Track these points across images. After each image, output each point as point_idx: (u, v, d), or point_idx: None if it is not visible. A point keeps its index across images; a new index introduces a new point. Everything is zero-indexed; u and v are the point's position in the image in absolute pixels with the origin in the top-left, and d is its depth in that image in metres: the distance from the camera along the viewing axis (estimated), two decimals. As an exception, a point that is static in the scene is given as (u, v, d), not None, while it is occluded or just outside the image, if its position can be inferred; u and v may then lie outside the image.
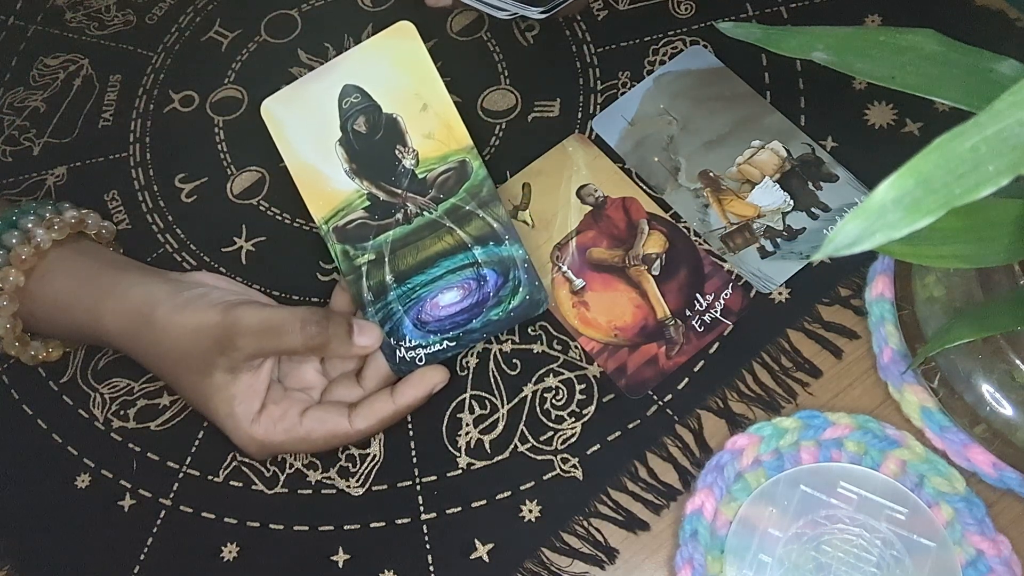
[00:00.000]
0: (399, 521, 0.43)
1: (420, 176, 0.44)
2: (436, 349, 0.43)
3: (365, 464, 0.44)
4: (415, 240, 0.44)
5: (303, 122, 0.44)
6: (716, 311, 0.45)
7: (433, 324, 0.43)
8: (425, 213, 0.43)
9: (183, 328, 0.41)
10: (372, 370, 0.43)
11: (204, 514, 0.45)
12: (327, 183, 0.44)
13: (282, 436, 0.41)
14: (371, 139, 0.44)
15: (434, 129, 0.44)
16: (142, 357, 0.43)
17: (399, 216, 0.44)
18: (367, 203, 0.44)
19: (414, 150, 0.43)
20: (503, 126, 0.52)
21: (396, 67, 0.44)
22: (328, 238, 0.44)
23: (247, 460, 0.45)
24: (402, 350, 0.43)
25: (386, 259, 0.43)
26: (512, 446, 0.43)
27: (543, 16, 0.49)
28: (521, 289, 0.43)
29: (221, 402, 0.41)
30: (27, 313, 0.45)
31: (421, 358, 0.43)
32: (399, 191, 0.44)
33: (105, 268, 0.44)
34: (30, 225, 0.44)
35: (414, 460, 0.44)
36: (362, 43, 0.44)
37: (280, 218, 0.51)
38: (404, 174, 0.43)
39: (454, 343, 0.43)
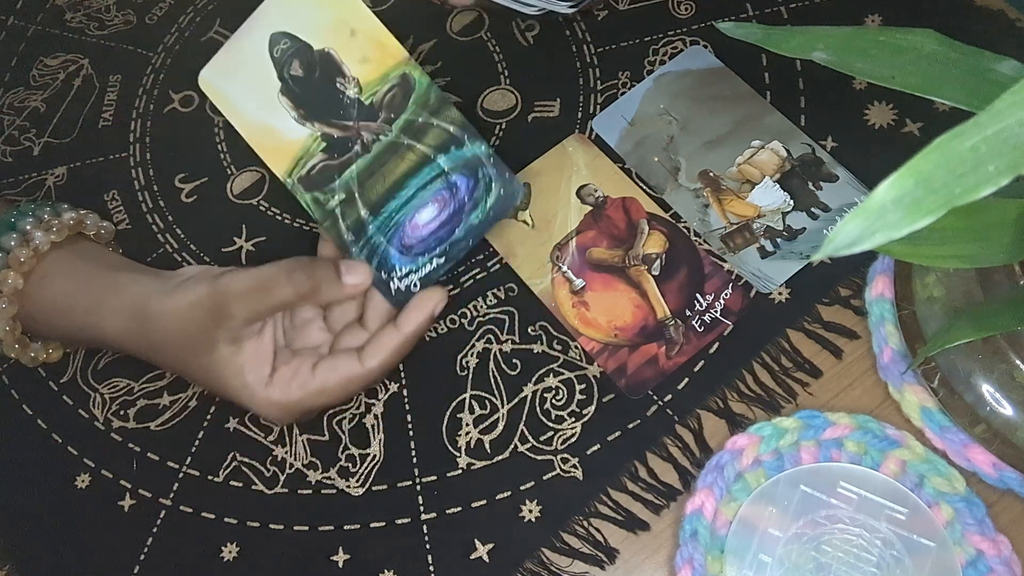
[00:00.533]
0: (399, 521, 0.43)
1: (367, 102, 0.43)
2: (428, 270, 0.43)
3: (365, 464, 0.44)
4: (379, 167, 0.43)
5: (242, 83, 0.43)
6: (716, 311, 0.45)
7: (418, 246, 0.43)
8: (381, 137, 0.43)
9: (177, 310, 0.40)
10: (372, 311, 0.43)
11: (204, 514, 0.45)
12: (280, 136, 0.43)
13: (299, 393, 0.41)
14: (310, 80, 0.43)
15: (368, 51, 0.43)
16: (146, 352, 0.43)
17: (357, 148, 0.43)
18: (323, 144, 0.43)
19: (354, 78, 0.42)
20: (503, 126, 0.52)
21: (316, 2, 0.43)
22: (296, 190, 0.43)
23: (247, 460, 0.45)
24: (395, 281, 0.43)
25: (356, 195, 0.43)
26: (512, 446, 0.43)
27: (572, 11, 0.49)
28: (493, 185, 0.42)
29: (232, 375, 0.41)
30: (26, 316, 0.45)
31: (416, 284, 0.43)
32: (351, 123, 0.43)
33: (102, 270, 0.44)
34: (28, 227, 0.44)
35: (414, 460, 0.44)
36: None
37: (280, 218, 0.51)
38: (351, 105, 0.43)
39: (443, 259, 0.43)
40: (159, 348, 0.42)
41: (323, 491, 0.44)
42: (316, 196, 0.43)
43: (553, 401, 0.44)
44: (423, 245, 0.43)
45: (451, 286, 0.48)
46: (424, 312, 0.42)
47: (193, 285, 0.41)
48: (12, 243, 0.44)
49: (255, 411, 0.42)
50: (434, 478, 0.44)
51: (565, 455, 0.43)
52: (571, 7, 0.49)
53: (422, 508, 0.43)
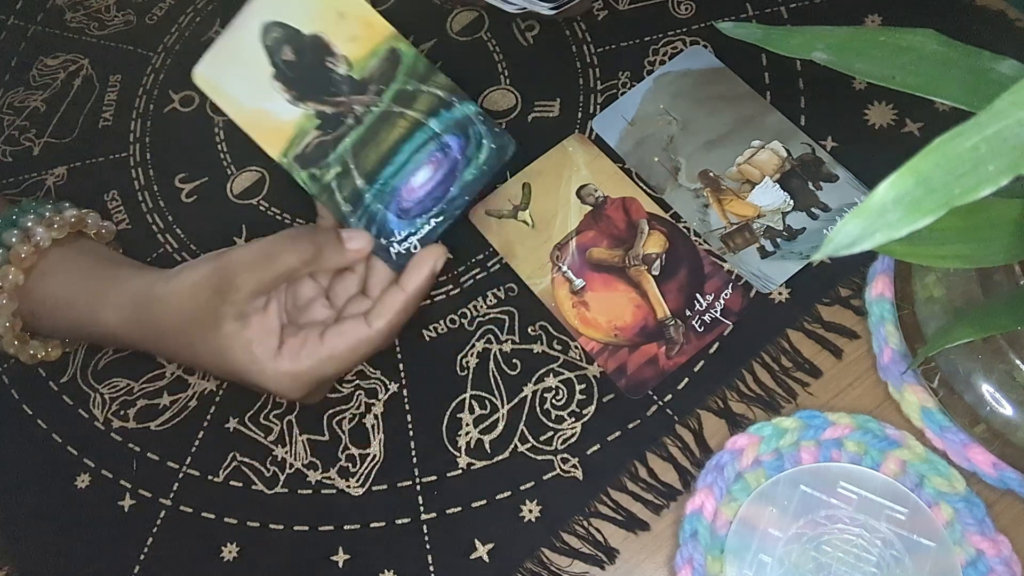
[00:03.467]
0: (399, 521, 0.43)
1: (357, 78, 0.44)
2: (426, 231, 0.43)
3: (365, 464, 0.44)
4: (372, 137, 0.44)
5: (236, 74, 0.44)
6: (716, 311, 0.45)
7: (415, 208, 0.43)
8: (373, 109, 0.44)
9: (181, 290, 0.40)
10: (374, 277, 0.43)
11: (204, 514, 0.45)
12: (275, 119, 0.44)
13: (309, 361, 0.40)
14: (302, 63, 0.44)
15: (356, 30, 0.44)
16: (149, 341, 0.43)
17: (350, 121, 0.44)
18: (318, 122, 0.44)
19: (344, 56, 0.44)
20: (503, 126, 0.51)
21: None
22: (292, 169, 0.44)
23: (247, 460, 0.45)
24: (395, 245, 0.43)
25: (352, 166, 0.44)
26: (512, 446, 0.43)
27: (553, 13, 0.49)
28: (484, 142, 0.43)
29: (240, 350, 0.40)
30: (27, 312, 0.45)
31: (415, 246, 0.43)
32: (343, 98, 0.44)
33: (104, 266, 0.44)
34: (30, 224, 0.44)
35: (414, 460, 0.44)
36: None
37: (280, 218, 0.51)
38: (342, 81, 0.44)
39: (441, 218, 0.43)
40: (162, 334, 0.42)
41: (323, 491, 0.44)
42: (312, 172, 0.44)
43: (553, 401, 0.44)
44: (420, 207, 0.44)
45: (451, 286, 0.48)
46: (425, 269, 0.42)
47: (196, 265, 0.41)
48: (13, 239, 0.44)
49: (266, 386, 0.41)
50: (434, 478, 0.44)
51: (565, 455, 0.43)
52: (552, 8, 0.49)
53: (422, 508, 0.43)
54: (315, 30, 0.43)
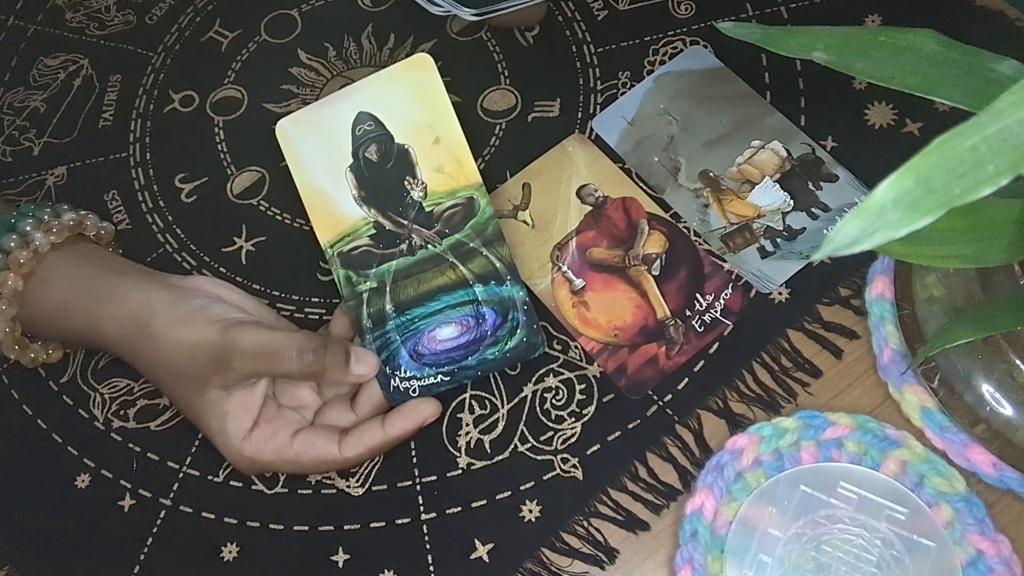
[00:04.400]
0: (399, 521, 0.43)
1: (427, 209, 0.44)
2: (430, 382, 0.43)
3: (365, 464, 0.44)
4: (417, 272, 0.44)
5: (316, 145, 0.45)
6: (716, 311, 0.45)
7: (429, 357, 0.43)
8: (429, 246, 0.44)
9: (180, 343, 0.41)
10: (366, 396, 0.43)
11: (204, 514, 0.45)
12: (335, 208, 0.45)
13: (271, 456, 0.41)
14: (382, 168, 0.44)
15: (444, 163, 0.44)
16: (138, 365, 0.43)
17: (403, 247, 0.44)
18: (373, 231, 0.44)
19: (423, 182, 0.44)
20: (503, 126, 0.52)
21: (412, 98, 0.44)
22: (332, 263, 0.45)
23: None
24: (396, 379, 0.43)
25: (388, 288, 0.44)
26: (512, 446, 0.43)
27: (474, 19, 0.49)
28: (519, 331, 0.43)
29: (213, 417, 0.41)
30: (26, 317, 0.45)
31: (415, 389, 0.43)
32: (405, 222, 0.44)
33: (103, 272, 0.44)
34: (28, 228, 0.44)
35: (414, 460, 0.44)
36: (380, 71, 0.45)
37: (280, 218, 0.51)
38: (411, 206, 0.44)
39: (448, 378, 0.43)
40: (151, 365, 0.42)
41: (323, 491, 0.44)
42: (350, 275, 0.44)
43: (553, 401, 0.44)
44: (434, 358, 0.44)
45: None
46: (413, 422, 0.42)
47: (204, 326, 0.41)
48: (12, 244, 0.44)
49: (223, 455, 0.42)
50: (434, 478, 0.44)
51: (565, 455, 0.43)
52: (474, 15, 0.49)
53: (422, 508, 0.43)
54: (407, 142, 0.44)
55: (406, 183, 0.44)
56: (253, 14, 0.58)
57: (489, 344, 0.43)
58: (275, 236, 0.51)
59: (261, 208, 0.52)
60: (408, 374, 0.43)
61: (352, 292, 0.44)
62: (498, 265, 0.43)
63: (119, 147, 0.55)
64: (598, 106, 0.51)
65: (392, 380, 0.43)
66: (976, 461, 0.39)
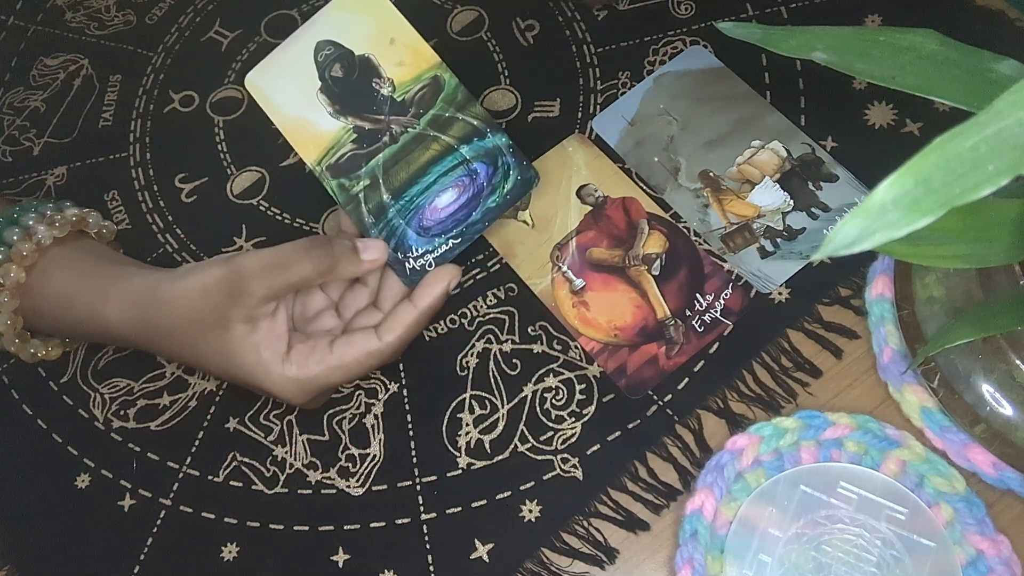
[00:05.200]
0: (399, 521, 0.43)
1: (399, 100, 0.46)
2: (443, 250, 0.45)
3: (365, 464, 0.44)
4: (404, 156, 0.46)
5: (285, 84, 0.46)
6: (716, 311, 0.45)
7: (436, 227, 0.45)
8: (409, 130, 0.46)
9: (190, 291, 0.40)
10: (387, 291, 0.44)
11: (204, 514, 0.45)
12: (314, 128, 0.46)
13: (317, 368, 0.41)
14: (349, 80, 0.46)
15: (404, 57, 0.46)
16: (155, 340, 0.42)
17: (386, 139, 0.46)
18: (354, 136, 0.46)
19: (389, 79, 0.46)
20: (503, 126, 0.52)
21: (360, 14, 0.46)
22: (323, 177, 0.46)
23: (247, 460, 0.45)
24: (411, 261, 0.44)
25: (380, 180, 0.45)
26: (512, 446, 0.43)
27: None
28: (511, 172, 0.45)
29: (247, 352, 0.40)
30: (29, 310, 0.45)
31: (430, 263, 0.44)
32: (382, 117, 0.46)
33: (105, 264, 0.45)
34: (31, 222, 0.44)
35: (414, 460, 0.44)
36: (328, 4, 0.47)
37: (280, 218, 0.51)
38: (384, 101, 0.46)
39: (459, 239, 0.45)
40: (166, 334, 0.41)
41: (323, 491, 0.44)
42: (341, 182, 0.46)
43: (553, 401, 0.44)
44: (441, 227, 0.45)
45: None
46: (439, 287, 0.43)
47: (206, 267, 0.41)
48: (15, 237, 0.44)
49: (270, 390, 0.41)
50: (434, 478, 0.44)
51: (565, 455, 0.43)
52: None
53: (422, 508, 0.43)
54: (366, 51, 0.46)
55: (374, 84, 0.46)
56: (253, 14, 0.58)
57: (488, 194, 0.45)
58: (275, 236, 0.51)
59: (261, 208, 0.52)
60: (420, 251, 0.45)
61: (348, 197, 0.45)
62: (475, 123, 0.46)
63: (119, 147, 0.55)
64: (598, 106, 0.51)
65: (406, 263, 0.44)
66: (976, 461, 0.39)
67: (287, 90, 0.46)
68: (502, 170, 0.45)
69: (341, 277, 0.43)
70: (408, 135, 0.46)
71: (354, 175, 0.46)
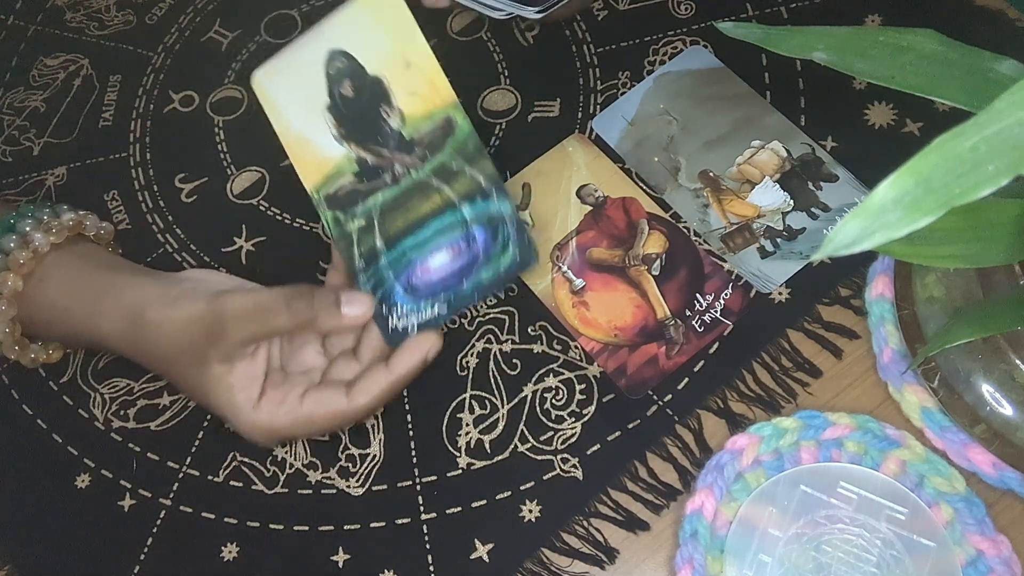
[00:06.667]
0: (399, 521, 0.43)
1: (407, 136, 0.43)
2: (428, 317, 0.42)
3: (365, 464, 0.44)
4: (404, 202, 0.43)
5: (292, 91, 0.44)
6: (716, 311, 0.45)
7: (424, 289, 0.42)
8: (412, 172, 0.43)
9: (174, 322, 0.41)
10: (367, 343, 0.43)
11: (204, 514, 0.45)
12: (317, 150, 0.44)
13: (285, 420, 0.41)
14: (358, 102, 0.43)
15: (418, 87, 0.43)
16: (140, 357, 0.43)
17: (387, 178, 0.43)
18: (356, 168, 0.44)
19: (399, 109, 0.43)
20: (503, 126, 0.52)
21: (379, 27, 0.43)
22: (319, 206, 0.44)
23: (247, 460, 0.45)
24: (394, 318, 0.42)
25: (376, 224, 0.43)
26: (512, 446, 0.43)
27: (539, 16, 0.49)
28: (511, 247, 0.42)
29: (221, 392, 0.41)
30: (25, 317, 0.45)
31: (413, 327, 0.42)
32: (386, 152, 0.43)
33: (101, 271, 0.44)
34: (28, 229, 0.44)
35: (414, 460, 0.44)
36: (344, 6, 0.44)
37: (280, 218, 0.51)
38: (391, 135, 0.43)
39: (446, 308, 0.42)
40: (152, 355, 0.42)
41: (323, 491, 0.44)
42: (337, 215, 0.44)
43: (553, 401, 0.44)
44: (429, 289, 0.42)
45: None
46: (417, 356, 0.42)
47: (192, 300, 0.41)
48: (11, 245, 0.44)
49: (237, 429, 0.42)
50: (434, 478, 0.44)
51: (565, 455, 0.43)
52: (538, 12, 0.49)
53: (422, 508, 0.43)
54: (379, 72, 0.43)
55: (383, 112, 0.43)
56: (253, 14, 0.58)
57: (483, 265, 0.42)
58: (275, 236, 0.51)
59: (261, 208, 0.52)
60: (405, 311, 0.42)
61: (341, 233, 0.43)
62: (482, 181, 0.43)
63: (119, 147, 0.55)
64: (598, 106, 0.51)
65: (390, 320, 0.42)
66: (976, 461, 0.39)
67: (294, 97, 0.44)
68: (501, 241, 0.42)
69: (321, 331, 0.43)
70: (410, 179, 0.43)
71: (351, 211, 0.43)
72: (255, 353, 0.41)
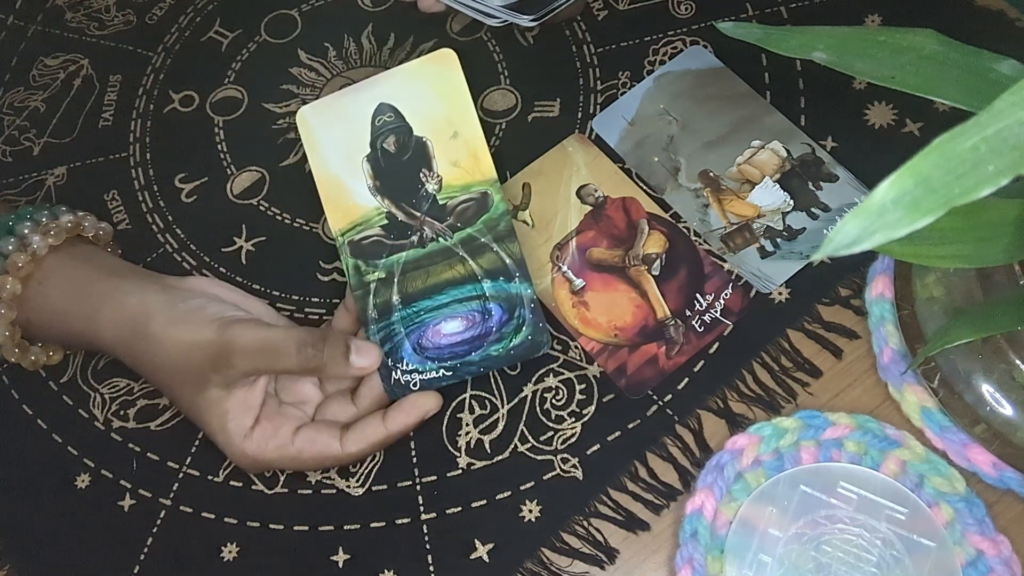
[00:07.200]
0: (399, 521, 0.43)
1: (441, 202, 0.44)
2: (431, 377, 0.43)
3: (365, 464, 0.44)
4: (427, 265, 0.44)
5: (334, 133, 0.45)
6: (716, 311, 0.45)
7: (432, 351, 0.43)
8: (440, 239, 0.44)
9: (178, 343, 0.41)
10: (367, 389, 0.43)
11: (204, 514, 0.45)
12: (349, 196, 0.45)
13: (273, 454, 0.41)
14: (399, 159, 0.44)
15: (461, 158, 0.44)
16: (138, 366, 0.43)
17: (414, 239, 0.44)
18: (385, 221, 0.44)
19: (439, 175, 0.44)
20: (503, 126, 0.52)
21: (433, 92, 0.45)
22: (342, 250, 0.45)
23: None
24: (398, 372, 0.43)
25: (395, 279, 0.44)
26: (512, 446, 0.43)
27: (533, 24, 0.49)
28: (524, 328, 0.43)
29: (214, 417, 0.41)
30: (25, 320, 0.44)
31: (416, 383, 0.43)
32: (418, 214, 0.44)
33: (101, 275, 0.44)
34: (26, 231, 0.44)
35: (414, 460, 0.44)
36: (404, 64, 0.45)
37: (280, 218, 0.51)
38: (425, 198, 0.44)
39: (451, 373, 0.43)
40: (150, 366, 0.42)
41: (323, 491, 0.44)
42: (359, 264, 0.44)
43: (553, 401, 0.44)
44: (437, 352, 0.43)
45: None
46: (414, 415, 0.42)
47: (201, 325, 0.41)
48: (10, 248, 0.44)
49: (225, 454, 0.42)
50: (434, 478, 0.44)
51: (565, 455, 0.43)
52: (532, 20, 0.49)
53: (422, 508, 0.43)
54: (425, 135, 0.44)
55: (422, 175, 0.44)
56: (253, 14, 0.58)
57: (493, 340, 0.43)
58: (275, 236, 0.51)
59: (261, 208, 0.52)
60: (410, 367, 0.43)
61: (360, 281, 0.44)
62: (508, 261, 0.43)
63: (119, 147, 0.55)
64: (598, 106, 0.51)
65: (394, 373, 0.43)
66: (976, 461, 0.39)
67: (334, 140, 0.45)
68: (516, 321, 0.43)
69: (328, 377, 0.43)
70: (437, 244, 0.44)
71: (372, 262, 0.44)
72: (255, 382, 0.41)
